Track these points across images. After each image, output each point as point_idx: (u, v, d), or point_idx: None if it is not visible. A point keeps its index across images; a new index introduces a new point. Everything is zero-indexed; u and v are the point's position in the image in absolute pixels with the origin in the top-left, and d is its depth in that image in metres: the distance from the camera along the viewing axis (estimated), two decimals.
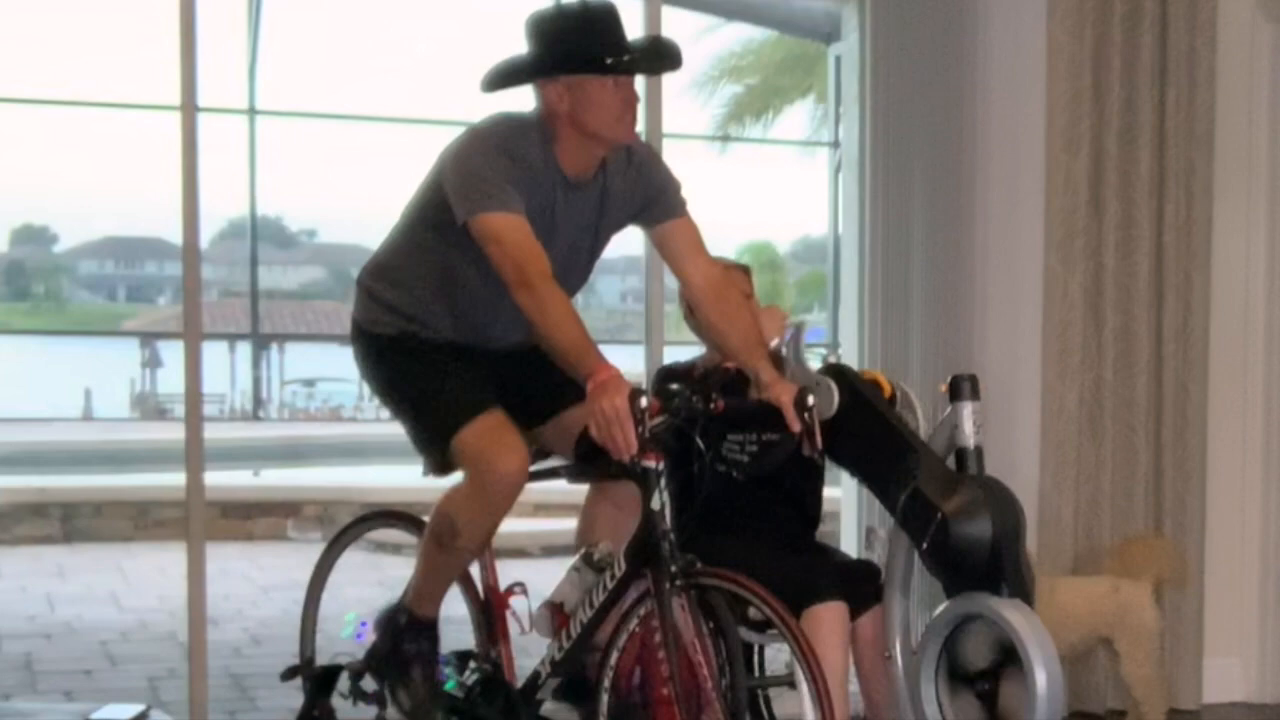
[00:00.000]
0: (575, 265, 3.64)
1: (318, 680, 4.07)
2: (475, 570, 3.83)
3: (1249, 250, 5.48)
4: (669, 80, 4.86)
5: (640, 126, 3.66)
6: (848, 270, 5.56)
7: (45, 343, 29.56)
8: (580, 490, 3.99)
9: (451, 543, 3.59)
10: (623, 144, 3.56)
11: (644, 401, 3.24)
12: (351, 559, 4.24)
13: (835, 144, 6.89)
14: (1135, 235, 5.24)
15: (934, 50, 5.17)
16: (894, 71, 5.22)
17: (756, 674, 4.11)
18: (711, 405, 3.42)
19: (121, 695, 5.40)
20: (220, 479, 9.93)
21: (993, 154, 5.20)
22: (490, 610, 3.82)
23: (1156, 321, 5.27)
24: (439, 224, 3.52)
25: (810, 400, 3.50)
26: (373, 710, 3.96)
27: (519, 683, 3.73)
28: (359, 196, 26.49)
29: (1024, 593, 3.60)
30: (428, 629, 3.76)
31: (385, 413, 3.87)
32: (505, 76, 3.52)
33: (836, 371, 3.80)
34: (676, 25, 5.99)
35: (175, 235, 4.88)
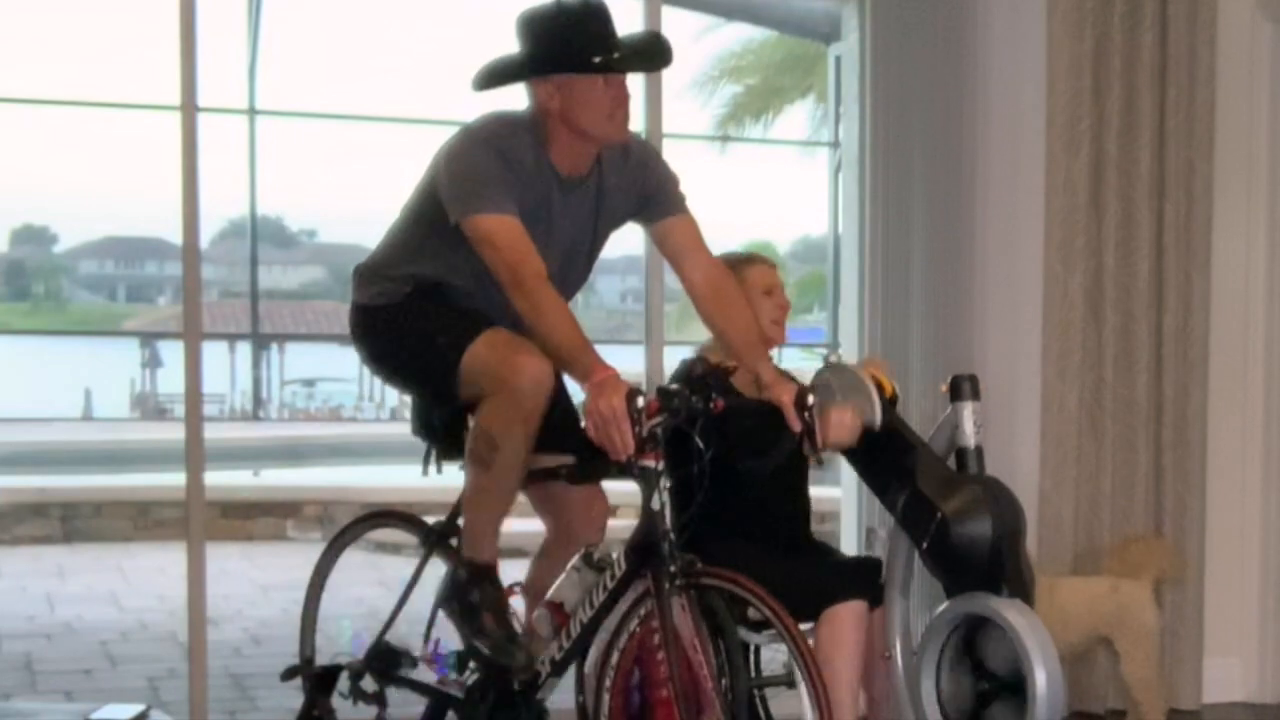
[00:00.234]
0: (574, 264, 3.64)
1: (318, 680, 4.07)
2: None
3: (1249, 250, 5.48)
4: (669, 80, 4.86)
5: (640, 126, 3.67)
6: (848, 270, 5.56)
7: (45, 343, 29.55)
8: None
9: (493, 461, 3.46)
10: (615, 142, 3.56)
11: (641, 401, 3.24)
12: (351, 559, 4.24)
13: (835, 144, 6.90)
14: (1135, 235, 5.24)
15: (934, 50, 5.17)
16: (894, 71, 5.22)
17: (754, 674, 4.11)
18: (711, 405, 3.42)
19: (121, 695, 5.40)
20: (220, 479, 9.93)
21: (993, 154, 5.20)
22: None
23: (1156, 321, 5.27)
24: (435, 224, 3.52)
25: (810, 400, 3.50)
26: (373, 710, 3.97)
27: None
28: (359, 196, 26.45)
29: (1024, 593, 3.60)
30: (488, 574, 3.66)
31: (385, 412, 3.87)
32: (496, 76, 3.53)
33: (837, 371, 3.80)
34: (676, 25, 6.01)
35: (175, 235, 4.88)
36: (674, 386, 3.41)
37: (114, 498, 11.45)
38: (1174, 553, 5.10)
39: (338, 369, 20.13)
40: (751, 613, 3.61)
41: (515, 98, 3.58)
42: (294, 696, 4.22)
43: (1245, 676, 5.53)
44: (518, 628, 3.76)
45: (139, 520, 11.16)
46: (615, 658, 3.53)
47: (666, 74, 4.11)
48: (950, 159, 5.18)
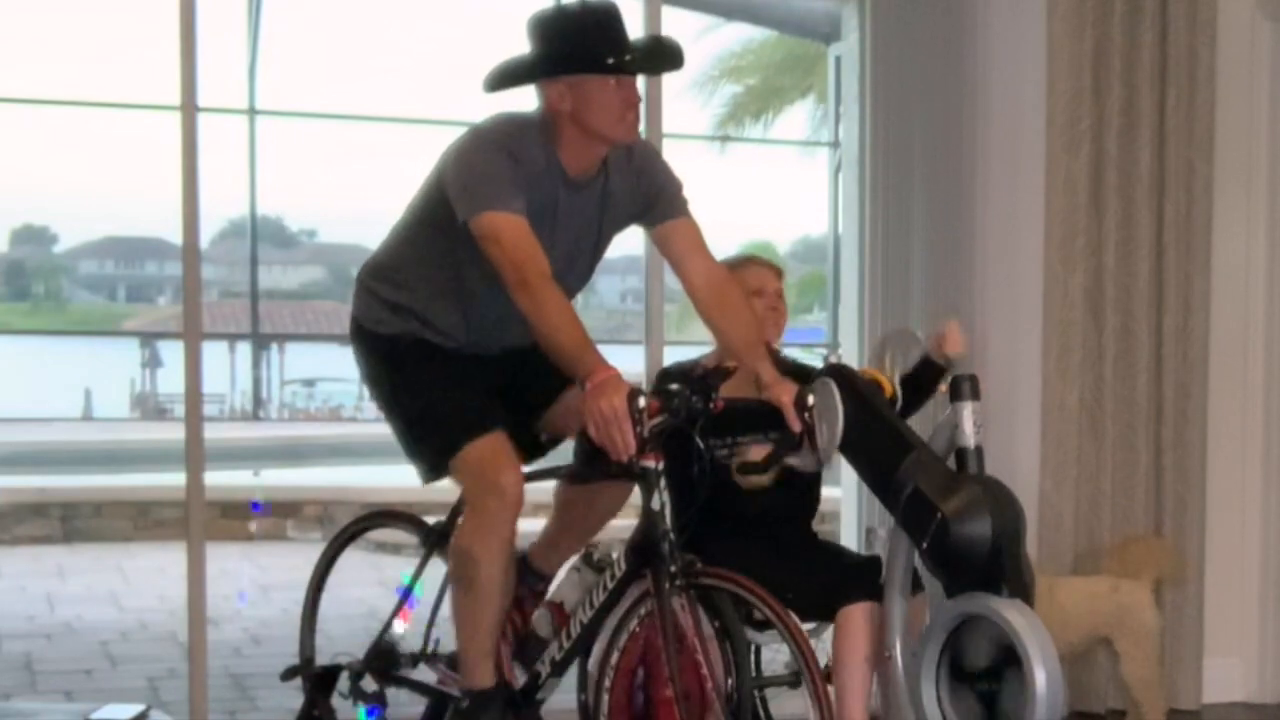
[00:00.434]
0: (577, 265, 3.64)
1: (318, 680, 4.07)
2: None
3: (1249, 250, 5.48)
4: (669, 80, 4.86)
5: (640, 126, 3.66)
6: (848, 270, 5.56)
7: (45, 343, 29.54)
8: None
9: (476, 580, 3.53)
10: (625, 143, 3.57)
11: (642, 401, 3.24)
12: (351, 559, 4.24)
13: (835, 144, 6.90)
14: (1135, 235, 5.24)
15: (934, 50, 5.17)
16: (894, 71, 5.22)
17: (755, 674, 4.11)
18: (711, 405, 3.42)
19: (121, 695, 5.40)
20: (220, 479, 9.92)
21: (993, 154, 5.19)
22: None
23: (1156, 321, 5.27)
24: (440, 224, 3.52)
25: (810, 400, 3.50)
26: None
27: (519, 683, 3.73)
28: (359, 196, 26.47)
29: (1024, 593, 3.59)
30: (492, 697, 3.63)
31: None
32: (507, 77, 3.53)
33: (837, 371, 3.80)
34: (676, 25, 6.00)
35: (175, 235, 4.88)
36: (674, 387, 3.41)
37: (114, 498, 11.45)
38: (1174, 553, 5.10)
39: (338, 369, 20.10)
40: (756, 612, 3.61)
41: (521, 99, 3.58)
42: (294, 696, 4.22)
43: (1245, 676, 5.53)
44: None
45: (139, 520, 11.16)
46: (615, 657, 3.53)
47: (667, 74, 4.11)
48: (950, 159, 5.18)
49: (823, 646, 3.92)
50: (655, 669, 3.48)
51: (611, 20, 3.46)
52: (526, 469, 3.74)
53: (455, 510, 3.80)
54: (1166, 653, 5.15)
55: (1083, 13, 5.16)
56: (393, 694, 3.97)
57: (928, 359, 4.02)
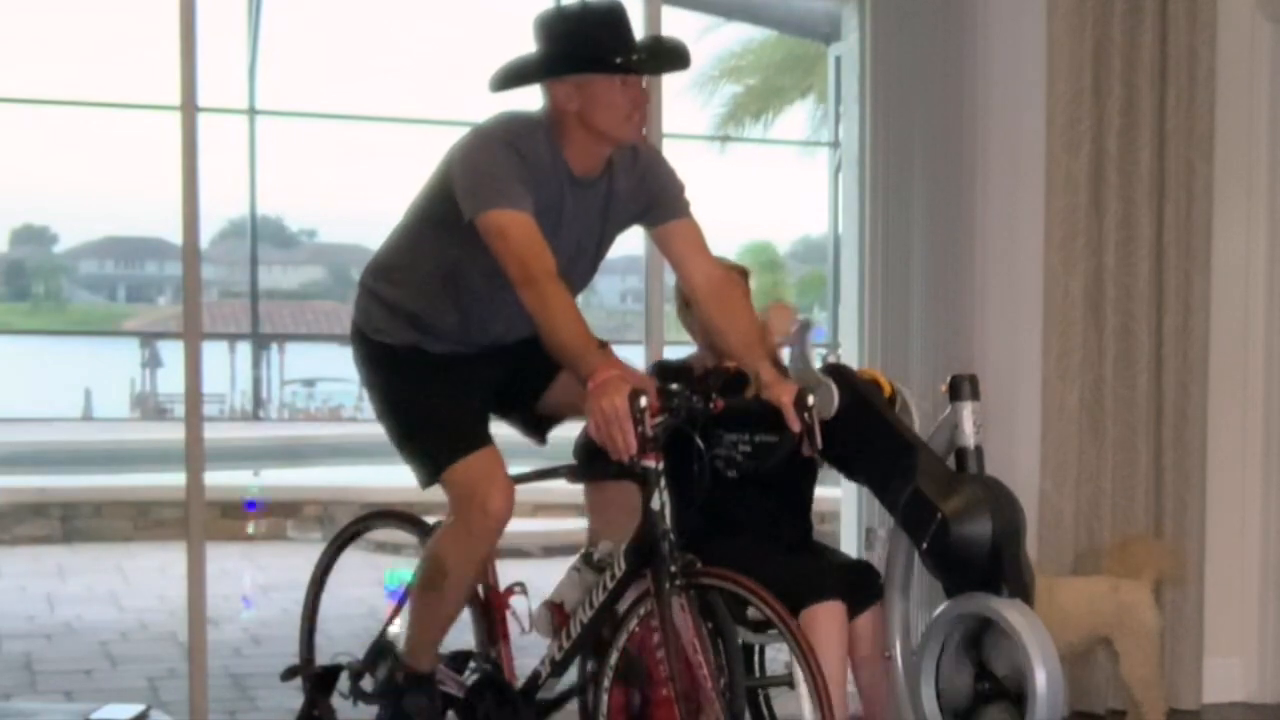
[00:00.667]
0: (580, 264, 3.64)
1: (318, 680, 4.07)
2: None
3: (1249, 250, 5.48)
4: (669, 80, 4.86)
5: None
6: (848, 270, 5.56)
7: (45, 343, 29.54)
8: (579, 490, 4.00)
9: (442, 584, 3.63)
10: (631, 143, 3.57)
11: (644, 401, 3.24)
12: (351, 559, 4.24)
13: (835, 144, 6.90)
14: (1135, 235, 5.24)
15: (934, 50, 5.17)
16: (894, 71, 5.22)
17: (756, 674, 4.11)
18: (711, 405, 3.42)
19: (121, 695, 5.40)
20: (220, 479, 9.92)
21: (993, 154, 5.19)
22: (490, 610, 3.82)
23: (1156, 321, 5.27)
24: (444, 222, 3.52)
25: (810, 400, 3.50)
26: (373, 710, 3.97)
27: (519, 683, 3.73)
28: (359, 196, 26.49)
29: (1024, 593, 3.60)
30: (426, 682, 3.76)
31: None
32: (514, 76, 3.53)
33: (836, 371, 3.80)
34: (676, 25, 6.00)
35: (175, 235, 4.88)
36: (675, 387, 3.41)
37: (114, 498, 11.44)
38: (1174, 553, 5.10)
39: (338, 369, 20.08)
40: (751, 612, 3.61)
41: (523, 99, 3.58)
42: (294, 696, 4.22)
43: (1245, 676, 5.53)
44: (517, 628, 3.77)
45: (139, 520, 11.16)
46: (615, 657, 3.53)
47: (667, 74, 4.11)
48: (950, 159, 5.18)
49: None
50: (651, 669, 3.48)
51: (618, 20, 3.47)
52: (525, 470, 3.75)
53: None
54: (1166, 653, 5.15)
55: (1083, 13, 5.16)
56: None
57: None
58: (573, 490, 4.02)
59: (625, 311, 24.21)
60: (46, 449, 15.18)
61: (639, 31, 3.56)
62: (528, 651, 3.83)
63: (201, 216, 4.75)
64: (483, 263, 3.45)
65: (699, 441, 3.42)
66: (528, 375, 3.71)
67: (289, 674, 4.14)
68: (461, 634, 3.88)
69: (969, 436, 3.68)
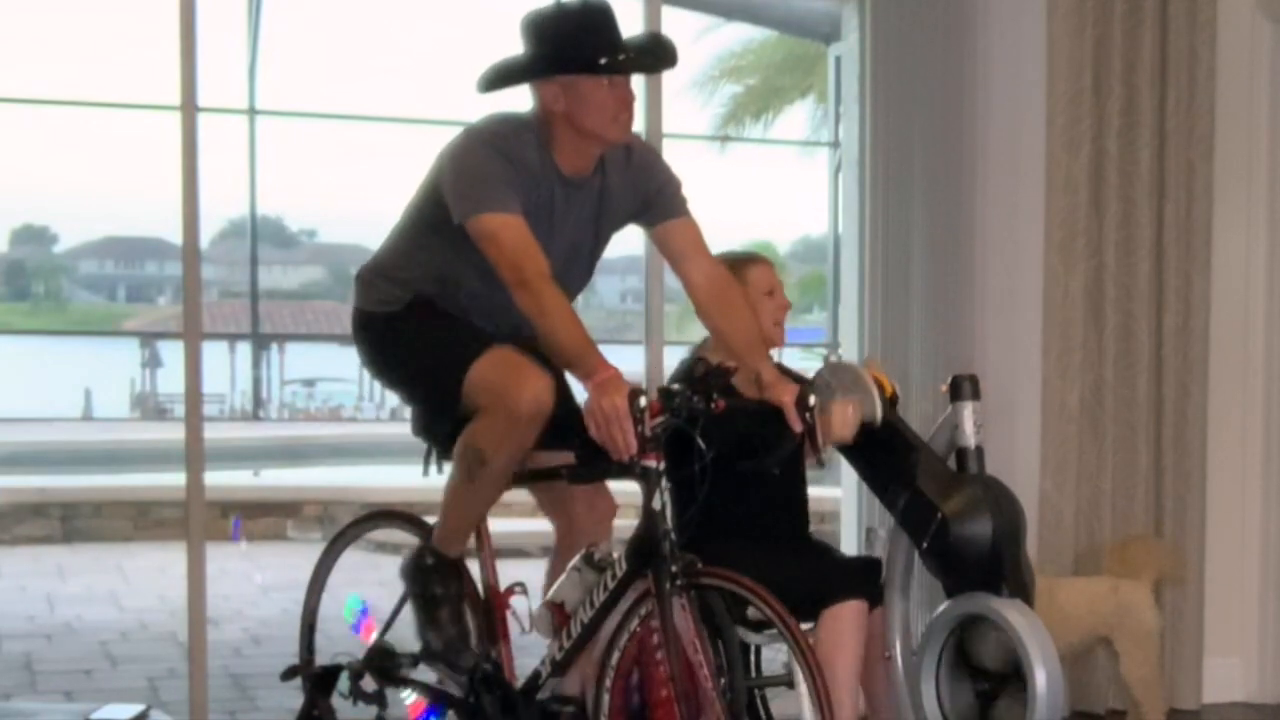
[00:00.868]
0: (576, 265, 3.64)
1: (318, 680, 4.07)
2: (475, 570, 3.83)
3: (1249, 250, 5.48)
4: (669, 80, 4.87)
5: (640, 126, 3.67)
6: (848, 270, 5.56)
7: (45, 343, 29.54)
8: None
9: (478, 473, 3.50)
10: (619, 143, 3.57)
11: (643, 401, 3.24)
12: (351, 559, 4.24)
13: (835, 144, 6.91)
14: (1135, 235, 5.24)
15: (934, 50, 5.17)
16: (894, 71, 5.22)
17: (754, 674, 4.11)
18: (711, 405, 3.42)
19: (121, 695, 5.39)
20: (220, 479, 9.92)
21: (993, 154, 5.19)
22: (490, 610, 3.81)
23: (1156, 321, 5.27)
24: (439, 224, 3.52)
25: (811, 400, 3.50)
26: (373, 710, 3.97)
27: (519, 683, 3.73)
28: (359, 196, 26.50)
29: (1024, 593, 3.60)
30: (454, 569, 3.73)
31: (385, 412, 3.88)
32: (501, 77, 3.53)
33: (835, 370, 3.80)
34: (676, 25, 6.01)
35: (175, 235, 4.88)
36: (675, 386, 3.41)
37: (114, 498, 11.44)
38: (1174, 553, 5.10)
39: (338, 369, 20.12)
40: (751, 612, 3.61)
41: (518, 99, 3.58)
42: (294, 696, 4.21)
43: (1245, 676, 5.53)
44: (517, 628, 3.76)
45: (139, 520, 11.15)
46: (615, 657, 3.53)
47: (666, 74, 4.12)
48: (950, 159, 5.18)
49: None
50: (651, 669, 3.47)
51: (604, 20, 3.46)
52: (524, 470, 3.74)
53: None
54: (1166, 653, 5.15)
55: (1083, 13, 5.16)
56: (393, 694, 3.97)
57: None
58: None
59: (625, 311, 24.22)
60: (46, 449, 15.18)
61: (638, 31, 3.55)
62: (528, 651, 3.83)
63: (201, 216, 4.75)
64: (479, 264, 3.45)
65: (699, 441, 3.42)
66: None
67: (289, 674, 4.13)
68: None
69: (969, 436, 3.68)
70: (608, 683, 3.53)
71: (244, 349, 21.62)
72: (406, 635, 3.96)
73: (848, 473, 5.10)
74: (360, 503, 8.86)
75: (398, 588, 3.98)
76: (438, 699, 3.85)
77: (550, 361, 3.47)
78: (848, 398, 3.69)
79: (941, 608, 3.71)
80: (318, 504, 11.35)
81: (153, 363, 22.84)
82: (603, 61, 3.43)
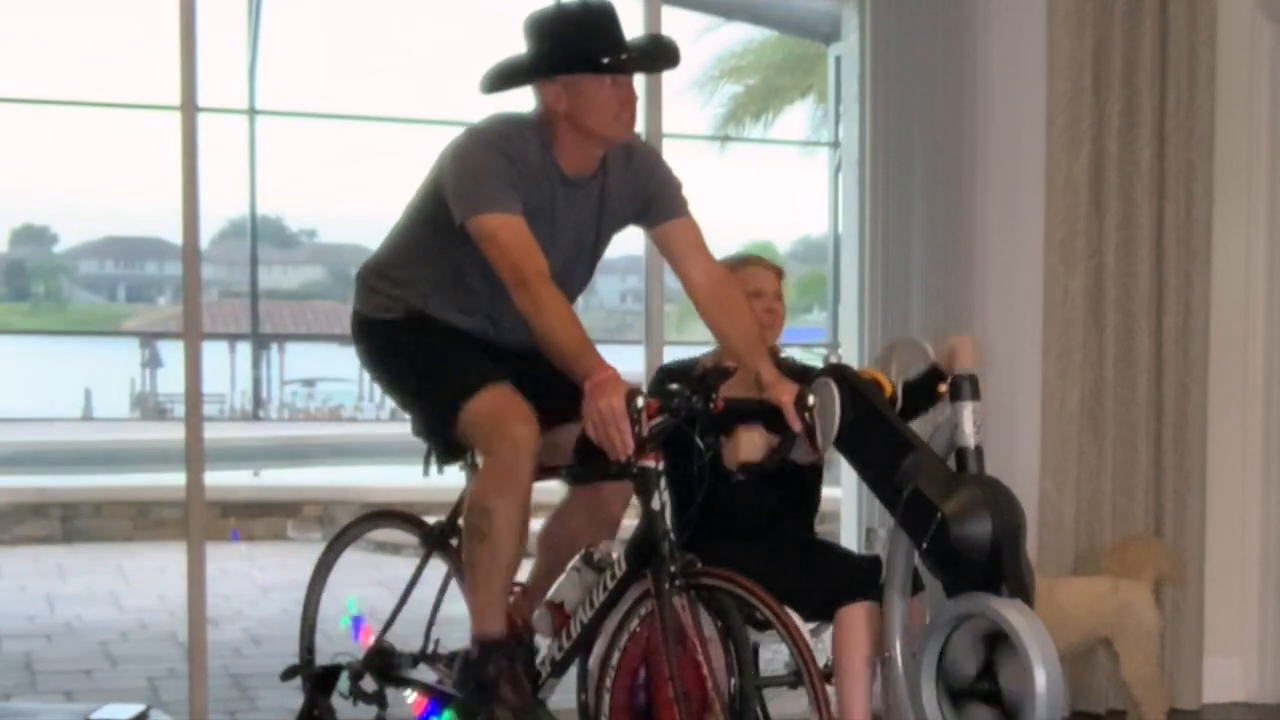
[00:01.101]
0: (577, 265, 3.64)
1: (318, 680, 4.07)
2: None
3: (1249, 250, 5.48)
4: (669, 80, 4.87)
5: (640, 126, 3.66)
6: (848, 270, 5.56)
7: (45, 343, 29.55)
8: None
9: (489, 532, 3.49)
10: (621, 143, 3.57)
11: (641, 401, 3.24)
12: (351, 559, 4.24)
13: (835, 144, 6.91)
14: (1135, 235, 5.24)
15: (934, 50, 5.17)
16: (894, 71, 5.22)
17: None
18: (711, 405, 3.42)
19: (121, 695, 5.39)
20: (220, 479, 9.93)
21: (993, 154, 5.19)
22: None
23: (1156, 321, 5.27)
24: (439, 223, 3.52)
25: (811, 400, 3.50)
26: (373, 710, 3.97)
27: None
28: (359, 196, 26.51)
29: (1024, 593, 3.59)
30: (500, 646, 3.59)
31: (385, 413, 3.88)
32: (504, 77, 3.53)
33: (837, 371, 3.80)
34: (676, 25, 6.01)
35: (175, 235, 4.89)
36: (674, 387, 3.41)
37: (114, 498, 11.44)
38: (1174, 553, 5.10)
39: (338, 369, 20.13)
40: (756, 613, 3.60)
41: (520, 100, 3.58)
42: (294, 696, 4.22)
43: (1245, 676, 5.53)
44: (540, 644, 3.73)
45: (139, 520, 11.15)
46: (615, 657, 3.53)
47: (667, 74, 4.12)
48: (950, 159, 5.18)
49: (822, 647, 3.92)
50: (656, 669, 3.47)
51: (607, 19, 3.46)
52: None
53: (455, 510, 3.80)
54: (1166, 653, 5.15)
55: (1083, 13, 5.16)
56: (393, 694, 3.97)
57: (935, 369, 3.85)
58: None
59: (625, 311, 24.24)
60: (46, 449, 15.19)
61: (638, 32, 3.55)
62: None
63: (201, 216, 4.75)
64: (481, 264, 3.45)
65: (699, 441, 3.42)
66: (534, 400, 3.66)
67: (289, 674, 4.13)
68: (462, 633, 3.88)
69: (969, 436, 3.67)
70: (608, 682, 3.53)
71: (244, 349, 21.63)
72: (407, 635, 3.96)
73: (848, 473, 5.10)
74: (360, 503, 8.86)
75: (397, 588, 3.98)
76: (438, 698, 3.85)
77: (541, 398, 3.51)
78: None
79: (941, 607, 3.70)
80: (318, 504, 11.35)
81: (153, 363, 22.86)
82: (605, 61, 3.43)
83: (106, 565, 9.72)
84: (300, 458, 15.25)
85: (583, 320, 3.41)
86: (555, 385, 3.41)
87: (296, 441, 16.70)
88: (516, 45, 3.54)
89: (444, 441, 3.66)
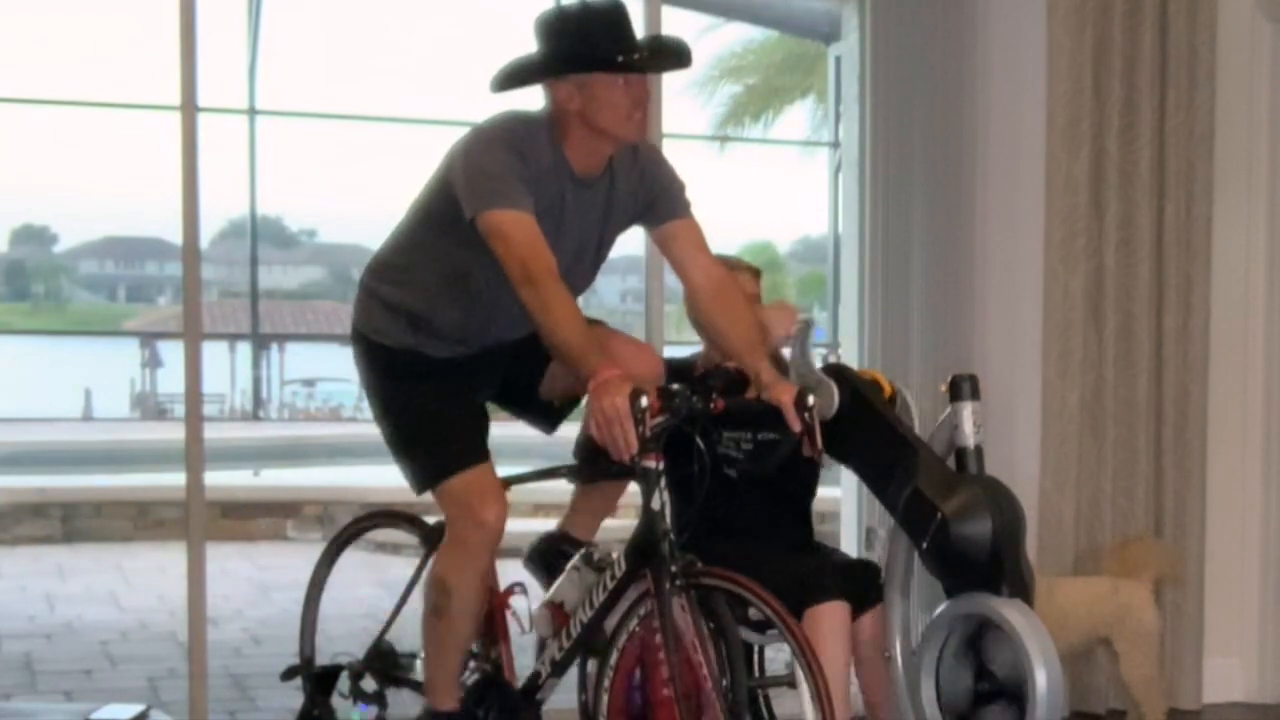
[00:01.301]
0: (581, 264, 3.64)
1: (318, 680, 4.07)
2: None
3: (1249, 250, 5.48)
4: (669, 80, 4.86)
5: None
6: (848, 270, 5.56)
7: (45, 343, 29.55)
8: None
9: (447, 605, 3.61)
10: (633, 142, 3.57)
11: (644, 401, 3.24)
12: (351, 559, 4.24)
13: (835, 144, 6.90)
14: (1135, 235, 5.24)
15: (934, 50, 5.17)
16: (894, 71, 5.22)
17: (756, 674, 4.11)
18: (711, 405, 3.42)
19: (121, 695, 5.39)
20: (220, 479, 9.92)
21: (993, 154, 5.20)
22: (490, 610, 3.81)
23: (1156, 321, 5.27)
24: (445, 222, 3.52)
25: (810, 400, 3.50)
26: (373, 710, 3.97)
27: (519, 683, 3.73)
28: (359, 196, 26.50)
29: (1024, 593, 3.60)
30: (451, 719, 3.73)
31: None
32: (515, 76, 3.53)
33: (836, 371, 3.80)
34: (676, 25, 6.00)
35: (175, 235, 4.88)
36: (675, 387, 3.41)
37: (114, 498, 11.44)
38: (1173, 553, 5.10)
39: (338, 369, 20.10)
40: (753, 613, 3.61)
41: (525, 99, 3.58)
42: (294, 696, 4.21)
43: (1245, 676, 5.53)
44: (517, 628, 3.76)
45: (139, 520, 11.15)
46: (615, 657, 3.53)
47: (667, 74, 4.11)
48: (950, 159, 5.18)
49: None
50: (654, 669, 3.47)
51: (619, 19, 3.46)
52: (525, 470, 3.74)
53: None
54: (1166, 653, 5.15)
55: (1083, 13, 5.16)
56: (393, 694, 3.97)
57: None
58: (572, 490, 4.02)
59: (625, 311, 24.21)
60: (46, 449, 15.18)
61: (639, 31, 3.55)
62: (528, 651, 3.83)
63: (201, 216, 4.75)
64: (485, 262, 3.44)
65: (699, 441, 3.42)
66: (526, 363, 3.70)
67: (289, 674, 4.13)
68: None
69: (969, 436, 3.68)
70: (607, 682, 3.53)
71: (244, 349, 21.62)
72: (407, 635, 3.96)
73: (848, 473, 5.10)
74: (360, 503, 8.85)
75: (397, 588, 3.98)
76: None
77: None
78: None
79: (941, 608, 3.71)
80: (318, 504, 11.36)
81: (153, 363, 22.85)
82: (619, 60, 3.43)
83: (106, 565, 9.72)
84: (300, 458, 15.24)
85: (585, 319, 3.40)
86: (535, 345, 3.45)
87: (296, 441, 16.70)
88: (518, 45, 3.54)
89: (418, 487, 3.70)
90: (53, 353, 26.21)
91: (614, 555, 3.56)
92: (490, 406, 3.78)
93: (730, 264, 4.09)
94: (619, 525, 3.83)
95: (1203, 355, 5.33)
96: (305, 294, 29.50)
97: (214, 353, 17.14)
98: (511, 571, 3.86)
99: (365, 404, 3.81)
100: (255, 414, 20.89)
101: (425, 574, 3.73)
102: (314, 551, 4.32)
